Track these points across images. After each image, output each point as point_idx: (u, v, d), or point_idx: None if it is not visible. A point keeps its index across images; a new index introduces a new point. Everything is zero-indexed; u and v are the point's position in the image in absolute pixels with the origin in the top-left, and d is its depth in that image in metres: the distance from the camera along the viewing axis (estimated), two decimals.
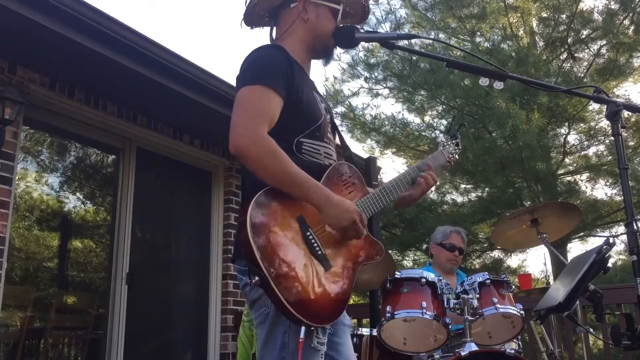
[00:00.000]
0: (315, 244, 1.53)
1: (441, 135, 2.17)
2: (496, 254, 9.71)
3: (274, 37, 1.87)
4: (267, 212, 1.48)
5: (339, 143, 1.88)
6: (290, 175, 1.51)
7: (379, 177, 6.22)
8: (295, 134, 1.65)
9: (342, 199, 1.57)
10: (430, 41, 8.01)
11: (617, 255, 9.42)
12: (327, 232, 1.58)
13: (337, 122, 9.43)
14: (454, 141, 2.21)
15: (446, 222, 5.78)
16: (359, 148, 10.03)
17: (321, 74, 14.30)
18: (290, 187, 1.52)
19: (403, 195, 1.88)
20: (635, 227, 1.53)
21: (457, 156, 2.19)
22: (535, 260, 19.23)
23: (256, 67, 1.64)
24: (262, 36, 2.03)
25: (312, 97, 1.74)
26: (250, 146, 1.50)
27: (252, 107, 1.56)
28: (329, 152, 1.74)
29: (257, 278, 1.41)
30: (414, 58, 8.10)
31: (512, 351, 2.57)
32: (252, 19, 1.88)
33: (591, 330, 3.81)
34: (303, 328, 1.45)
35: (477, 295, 2.60)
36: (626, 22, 8.05)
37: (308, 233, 1.53)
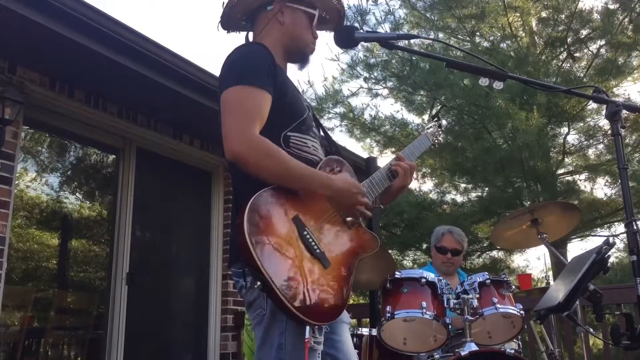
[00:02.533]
0: (313, 243, 1.53)
1: (425, 119, 2.26)
2: (496, 254, 9.71)
3: (250, 40, 1.86)
4: (262, 215, 1.47)
5: (324, 137, 1.89)
6: (290, 171, 1.53)
7: None
8: (282, 128, 1.64)
9: (339, 176, 1.65)
10: (430, 41, 8.01)
11: (618, 252, 9.42)
12: (323, 230, 1.58)
13: (337, 122, 9.49)
14: (436, 122, 2.28)
15: (446, 222, 5.76)
16: (358, 148, 10.06)
17: (320, 74, 14.33)
18: (292, 182, 1.55)
19: (386, 188, 1.88)
20: (635, 227, 1.53)
21: (440, 138, 2.28)
22: (535, 260, 19.24)
23: (239, 66, 1.62)
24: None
25: (296, 92, 1.75)
26: (247, 151, 1.50)
27: (241, 109, 1.54)
28: (316, 145, 1.74)
29: (258, 283, 1.40)
30: (414, 58, 8.09)
31: (512, 351, 2.57)
32: (229, 22, 1.86)
33: (591, 330, 3.81)
34: (308, 328, 1.45)
35: (477, 295, 2.59)
36: (625, 21, 8.04)
37: (305, 232, 1.52)
